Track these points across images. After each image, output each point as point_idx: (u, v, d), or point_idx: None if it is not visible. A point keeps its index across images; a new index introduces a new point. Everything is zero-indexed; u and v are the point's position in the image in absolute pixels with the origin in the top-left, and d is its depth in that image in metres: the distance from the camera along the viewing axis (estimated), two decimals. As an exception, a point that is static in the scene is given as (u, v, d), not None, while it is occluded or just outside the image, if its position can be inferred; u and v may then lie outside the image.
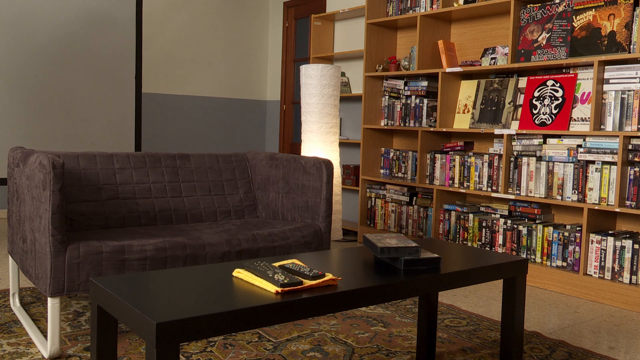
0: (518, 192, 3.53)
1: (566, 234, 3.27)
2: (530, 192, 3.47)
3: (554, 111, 3.41)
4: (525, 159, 3.49)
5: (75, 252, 2.08)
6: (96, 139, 5.41)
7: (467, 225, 3.78)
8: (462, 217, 3.81)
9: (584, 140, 3.27)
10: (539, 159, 3.45)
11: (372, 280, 1.58)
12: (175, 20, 5.78)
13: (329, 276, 1.53)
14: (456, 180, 3.88)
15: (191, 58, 6.00)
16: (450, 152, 3.98)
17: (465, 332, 2.50)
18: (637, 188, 3.02)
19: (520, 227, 3.49)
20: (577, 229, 3.25)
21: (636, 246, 3.00)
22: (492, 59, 3.74)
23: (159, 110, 5.74)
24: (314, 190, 2.76)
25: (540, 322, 2.71)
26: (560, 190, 3.33)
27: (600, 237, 3.14)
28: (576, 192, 3.26)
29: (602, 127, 3.19)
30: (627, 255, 3.03)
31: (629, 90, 3.09)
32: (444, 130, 3.91)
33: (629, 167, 3.06)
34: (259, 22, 6.45)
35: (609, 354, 2.33)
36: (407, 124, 4.27)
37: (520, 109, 3.63)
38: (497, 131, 3.59)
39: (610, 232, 3.21)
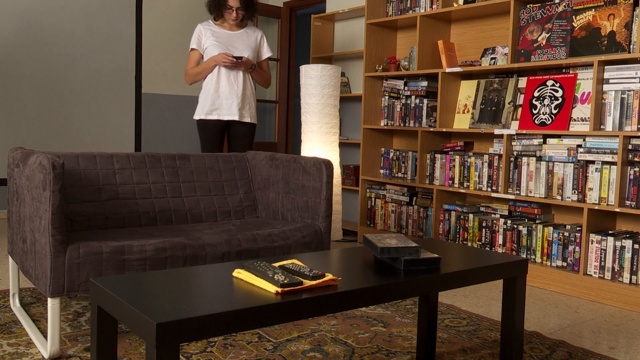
0: (518, 192, 3.53)
1: (566, 234, 3.27)
2: (530, 192, 3.47)
3: (554, 111, 3.41)
4: (525, 159, 3.49)
5: (75, 253, 2.08)
6: (96, 139, 5.41)
7: (467, 225, 3.78)
8: (462, 217, 3.81)
9: (584, 140, 3.27)
10: (539, 159, 3.45)
11: (372, 281, 1.58)
12: (175, 19, 5.78)
13: (329, 276, 1.53)
14: (456, 180, 3.88)
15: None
16: (450, 152, 3.98)
17: (465, 332, 2.50)
18: (637, 188, 3.02)
19: (520, 227, 3.49)
20: (577, 229, 3.25)
21: (636, 246, 3.00)
22: (492, 59, 3.74)
23: (159, 110, 5.73)
24: (314, 190, 2.76)
25: (540, 322, 2.71)
26: (560, 190, 3.33)
27: (600, 237, 3.14)
28: (576, 192, 3.26)
29: (602, 127, 3.19)
30: (627, 255, 3.03)
31: (628, 90, 3.09)
32: (444, 130, 3.91)
33: (629, 167, 3.06)
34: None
35: (609, 354, 2.33)
36: (407, 124, 4.27)
37: (520, 109, 3.63)
38: (497, 131, 3.59)
39: (610, 232, 3.21)
